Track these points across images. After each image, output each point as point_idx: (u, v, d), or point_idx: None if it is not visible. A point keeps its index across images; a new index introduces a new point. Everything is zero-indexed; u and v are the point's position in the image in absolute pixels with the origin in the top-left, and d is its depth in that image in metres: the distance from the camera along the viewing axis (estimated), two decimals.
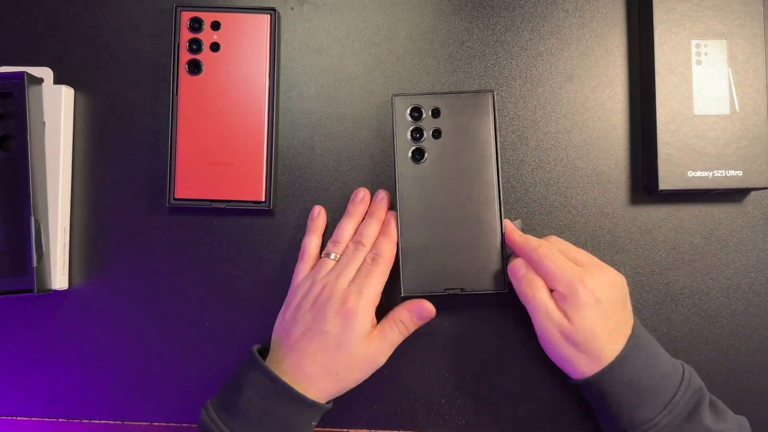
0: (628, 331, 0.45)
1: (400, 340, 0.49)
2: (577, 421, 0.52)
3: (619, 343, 0.45)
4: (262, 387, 0.45)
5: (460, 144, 0.50)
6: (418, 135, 0.50)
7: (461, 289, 0.49)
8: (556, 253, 0.46)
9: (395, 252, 0.49)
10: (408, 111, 0.50)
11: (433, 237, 0.49)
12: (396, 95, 0.50)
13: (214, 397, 0.47)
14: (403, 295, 0.49)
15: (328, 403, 0.47)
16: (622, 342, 0.45)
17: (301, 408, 0.45)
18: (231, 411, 0.45)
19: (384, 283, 0.49)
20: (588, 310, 0.44)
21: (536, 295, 0.45)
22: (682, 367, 0.46)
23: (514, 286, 0.47)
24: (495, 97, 0.50)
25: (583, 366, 0.45)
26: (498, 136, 0.50)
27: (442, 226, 0.49)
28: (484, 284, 0.49)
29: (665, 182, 0.50)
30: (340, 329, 0.46)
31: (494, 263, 0.49)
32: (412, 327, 0.49)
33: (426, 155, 0.50)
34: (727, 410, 0.47)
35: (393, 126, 0.50)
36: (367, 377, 0.48)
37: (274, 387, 0.45)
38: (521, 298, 0.47)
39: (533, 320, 0.46)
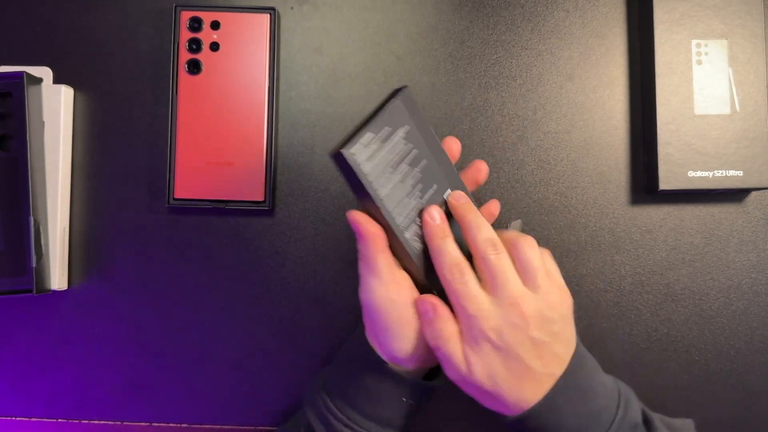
0: (562, 366, 0.39)
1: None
2: None
3: (544, 385, 0.38)
4: None
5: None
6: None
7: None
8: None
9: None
10: None
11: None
12: None
13: None
14: None
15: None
16: (549, 383, 0.38)
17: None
18: None
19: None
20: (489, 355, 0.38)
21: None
22: (618, 398, 0.40)
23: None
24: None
25: (502, 408, 0.40)
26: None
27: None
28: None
29: (666, 182, 0.50)
30: None
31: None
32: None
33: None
34: (670, 424, 0.42)
35: None
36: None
37: None
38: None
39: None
